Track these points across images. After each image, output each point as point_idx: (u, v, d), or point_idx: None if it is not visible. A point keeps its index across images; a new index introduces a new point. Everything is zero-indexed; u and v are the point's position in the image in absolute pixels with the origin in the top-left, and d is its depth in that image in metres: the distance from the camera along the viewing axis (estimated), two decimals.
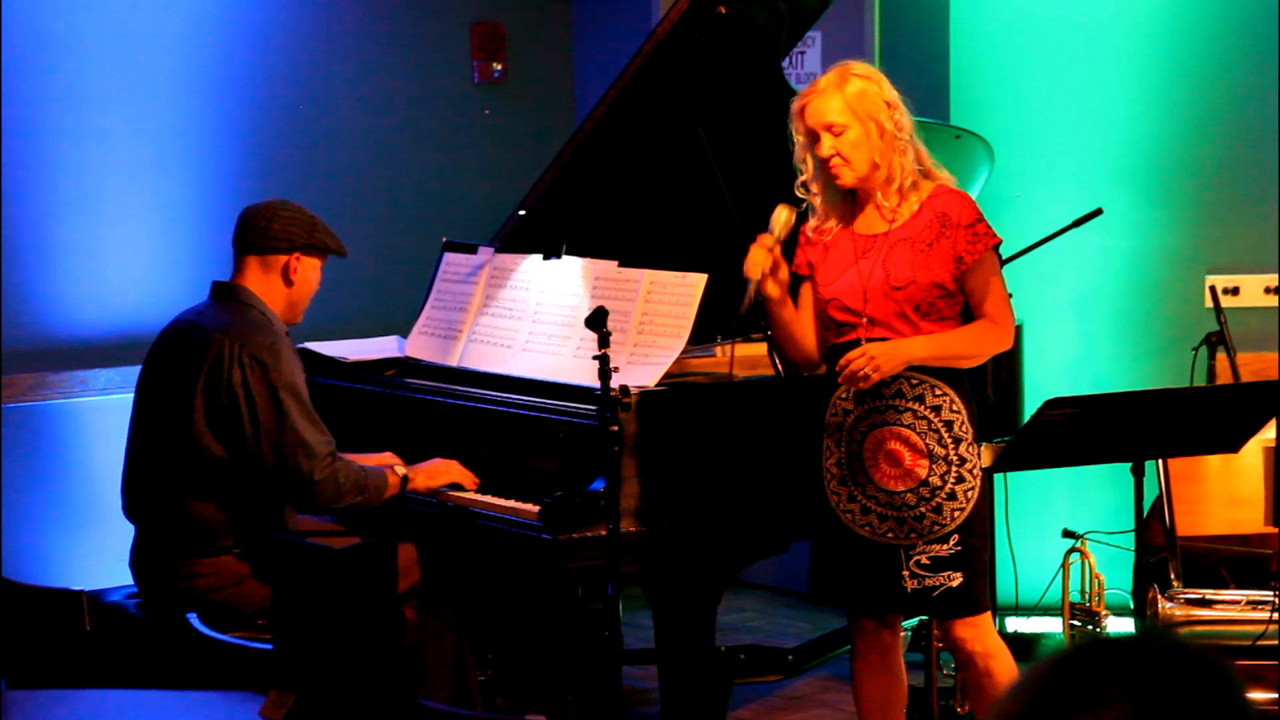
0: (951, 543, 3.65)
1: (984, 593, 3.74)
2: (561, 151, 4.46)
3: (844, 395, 3.72)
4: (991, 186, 4.91)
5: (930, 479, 3.65)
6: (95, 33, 5.34)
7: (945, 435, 3.65)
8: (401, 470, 4.01)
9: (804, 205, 3.80)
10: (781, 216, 3.68)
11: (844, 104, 3.65)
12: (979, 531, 3.70)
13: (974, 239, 3.65)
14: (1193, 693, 1.35)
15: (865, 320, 3.68)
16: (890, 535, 3.69)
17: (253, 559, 3.90)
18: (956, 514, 3.65)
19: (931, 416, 3.65)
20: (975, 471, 3.67)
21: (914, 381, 3.66)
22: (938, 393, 3.66)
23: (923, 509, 3.66)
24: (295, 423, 3.85)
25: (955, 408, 3.66)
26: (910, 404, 3.66)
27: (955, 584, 3.66)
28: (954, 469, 3.65)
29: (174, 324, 4.05)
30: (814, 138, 3.69)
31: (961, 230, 3.65)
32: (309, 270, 4.04)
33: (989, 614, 3.78)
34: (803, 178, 3.76)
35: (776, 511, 4.00)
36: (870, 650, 3.85)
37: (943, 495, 3.65)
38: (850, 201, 3.77)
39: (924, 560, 3.67)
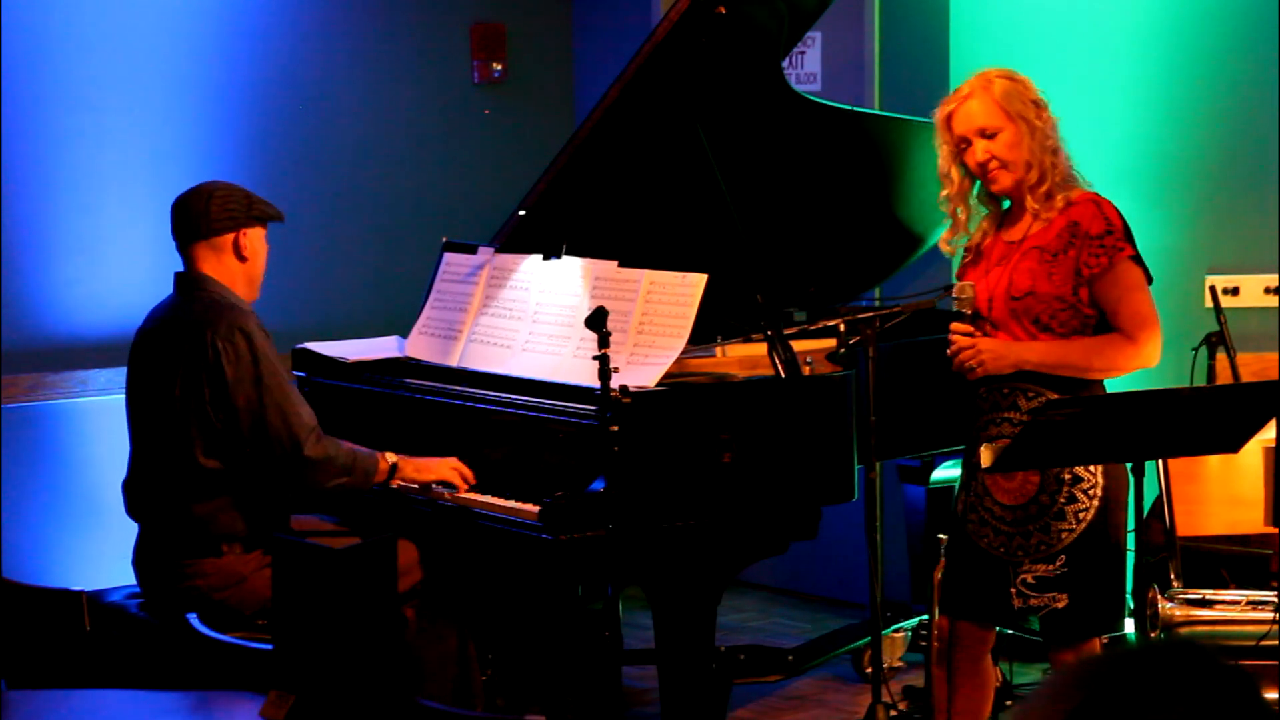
0: (1058, 563, 3.58)
1: (1093, 619, 3.61)
2: (561, 151, 4.46)
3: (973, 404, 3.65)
4: None
5: (1040, 496, 3.59)
6: (95, 33, 5.34)
7: None
8: (393, 458, 4.03)
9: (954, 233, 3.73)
10: (967, 291, 3.63)
11: (994, 105, 3.59)
12: (1093, 554, 3.59)
13: (1099, 251, 3.55)
14: (1227, 711, 1.34)
15: (988, 326, 3.63)
16: (1001, 550, 3.64)
17: (259, 554, 3.90)
18: (1064, 534, 3.57)
19: None
20: (1093, 492, 3.57)
21: (1030, 394, 3.59)
22: None
23: (1031, 527, 3.59)
24: (279, 399, 3.88)
25: None
26: (1026, 418, 3.54)
27: (1060, 605, 3.58)
28: (1066, 488, 3.57)
29: (145, 325, 4.07)
30: (963, 146, 3.62)
31: (1089, 241, 3.56)
32: (256, 242, 4.05)
33: (1096, 642, 3.65)
34: (946, 192, 3.69)
35: (777, 511, 4.00)
36: (961, 656, 3.75)
37: (1051, 514, 3.58)
38: (999, 207, 3.71)
39: (1029, 579, 3.60)
